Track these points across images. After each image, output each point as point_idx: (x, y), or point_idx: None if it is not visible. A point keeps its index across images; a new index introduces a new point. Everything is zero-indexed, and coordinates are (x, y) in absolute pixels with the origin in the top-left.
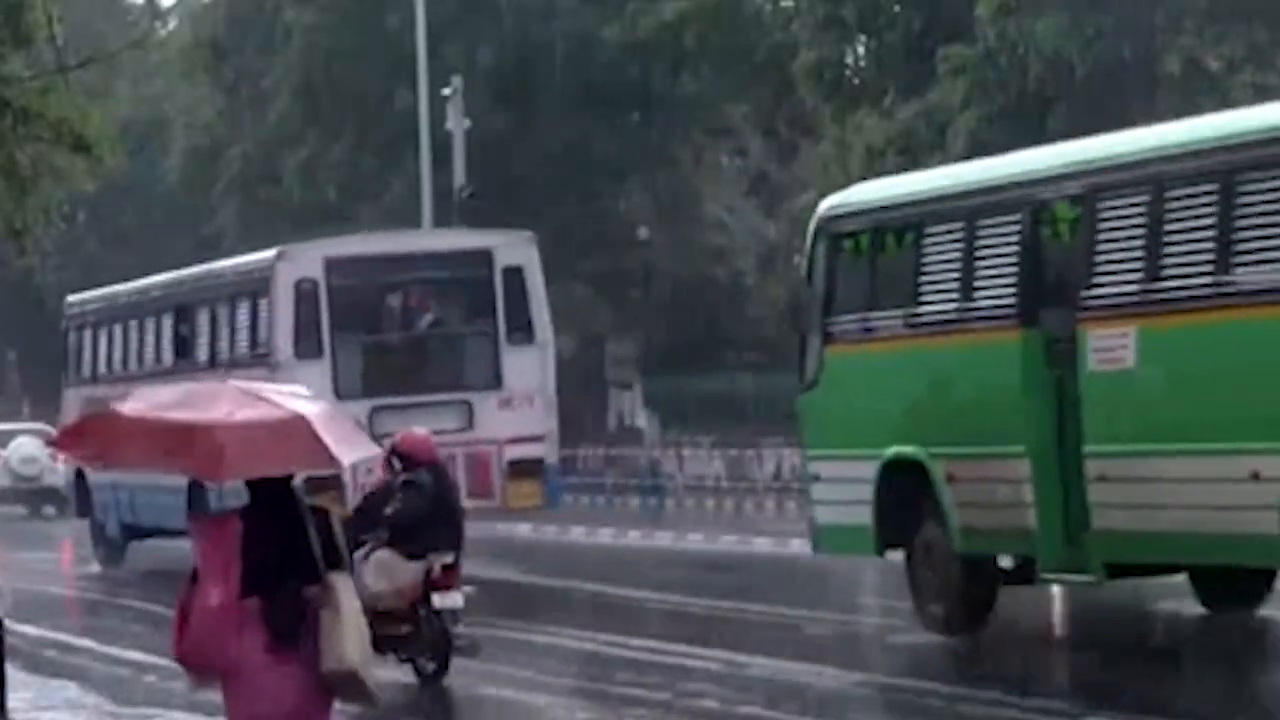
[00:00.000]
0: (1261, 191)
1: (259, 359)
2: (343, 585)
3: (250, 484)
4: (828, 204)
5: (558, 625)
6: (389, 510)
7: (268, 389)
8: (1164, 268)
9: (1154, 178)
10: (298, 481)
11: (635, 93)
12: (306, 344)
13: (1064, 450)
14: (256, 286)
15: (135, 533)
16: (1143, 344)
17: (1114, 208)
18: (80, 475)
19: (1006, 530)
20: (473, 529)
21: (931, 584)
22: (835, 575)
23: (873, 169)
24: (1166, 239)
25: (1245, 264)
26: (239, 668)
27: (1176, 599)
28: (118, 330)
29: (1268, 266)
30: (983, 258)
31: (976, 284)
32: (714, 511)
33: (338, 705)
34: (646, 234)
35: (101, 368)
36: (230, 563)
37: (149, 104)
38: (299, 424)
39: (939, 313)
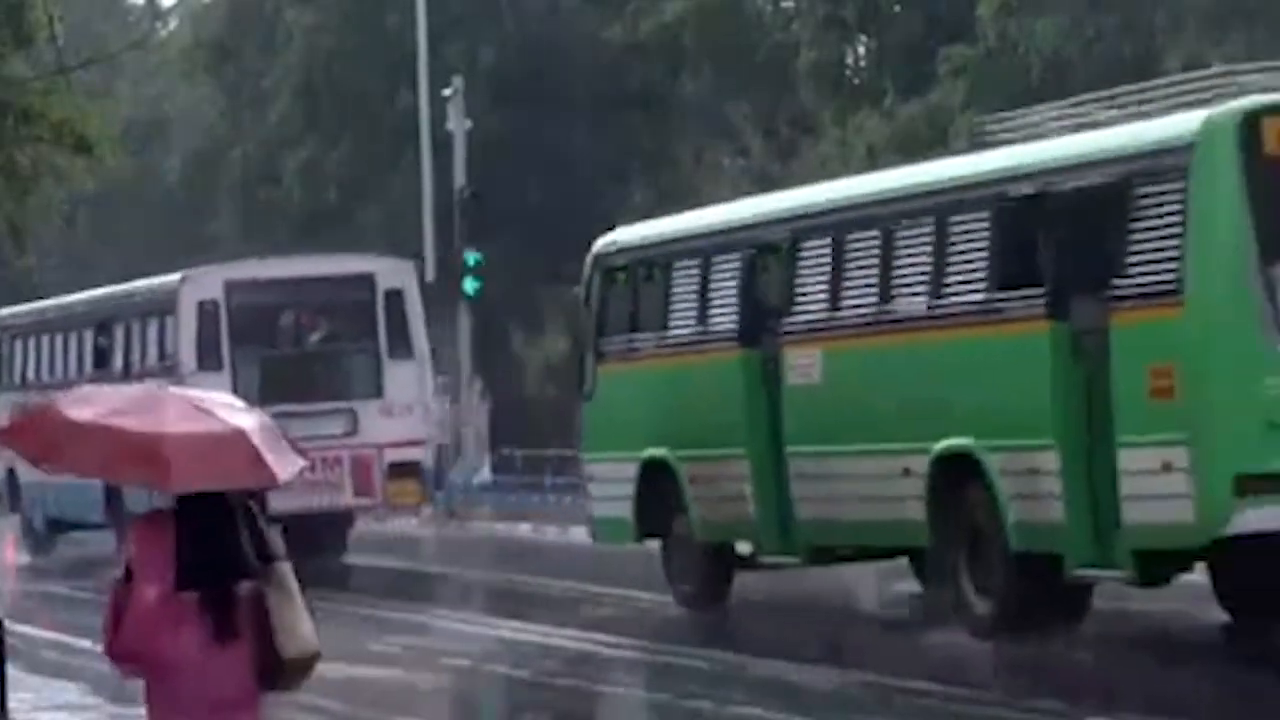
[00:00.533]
0: (912, 237)
1: (167, 370)
2: (285, 572)
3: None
4: (602, 241)
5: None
6: None
7: (207, 399)
8: (841, 300)
9: (834, 225)
10: None
11: (636, 93)
12: (208, 358)
13: (774, 452)
14: (165, 305)
15: (59, 526)
16: (825, 363)
17: (806, 249)
18: (11, 473)
19: (734, 521)
20: (472, 530)
21: (680, 568)
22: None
23: (873, 169)
24: (843, 276)
25: (898, 297)
26: (175, 662)
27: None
28: (44, 341)
29: (913, 299)
30: (714, 289)
31: (709, 311)
32: None
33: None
34: None
35: (30, 374)
36: (167, 560)
37: (149, 105)
38: (241, 439)
39: (683, 335)
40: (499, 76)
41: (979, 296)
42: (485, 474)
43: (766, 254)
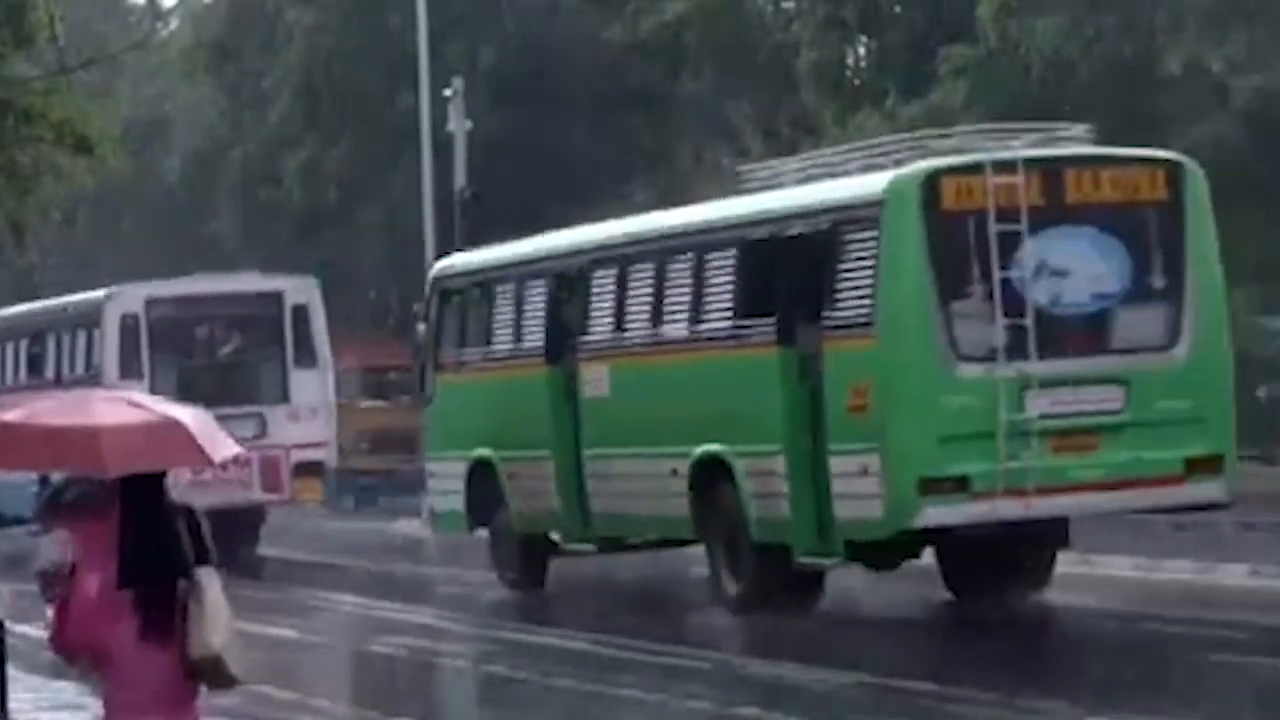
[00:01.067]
0: (677, 271)
1: (92, 379)
2: (207, 578)
3: (123, 484)
4: (439, 266)
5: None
6: (68, 498)
7: (141, 397)
8: (624, 324)
9: (618, 259)
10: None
11: (636, 93)
12: (129, 367)
13: (574, 455)
14: (91, 320)
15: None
16: (612, 378)
17: (597, 280)
18: None
19: (544, 514)
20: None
21: (504, 554)
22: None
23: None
24: (625, 303)
25: (667, 323)
26: (113, 654)
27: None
28: None
29: (678, 325)
30: (527, 312)
31: (524, 331)
32: None
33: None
34: None
35: None
36: (108, 556)
37: (150, 105)
38: (175, 425)
39: (503, 351)
40: (499, 77)
41: (727, 324)
42: None
43: (567, 283)
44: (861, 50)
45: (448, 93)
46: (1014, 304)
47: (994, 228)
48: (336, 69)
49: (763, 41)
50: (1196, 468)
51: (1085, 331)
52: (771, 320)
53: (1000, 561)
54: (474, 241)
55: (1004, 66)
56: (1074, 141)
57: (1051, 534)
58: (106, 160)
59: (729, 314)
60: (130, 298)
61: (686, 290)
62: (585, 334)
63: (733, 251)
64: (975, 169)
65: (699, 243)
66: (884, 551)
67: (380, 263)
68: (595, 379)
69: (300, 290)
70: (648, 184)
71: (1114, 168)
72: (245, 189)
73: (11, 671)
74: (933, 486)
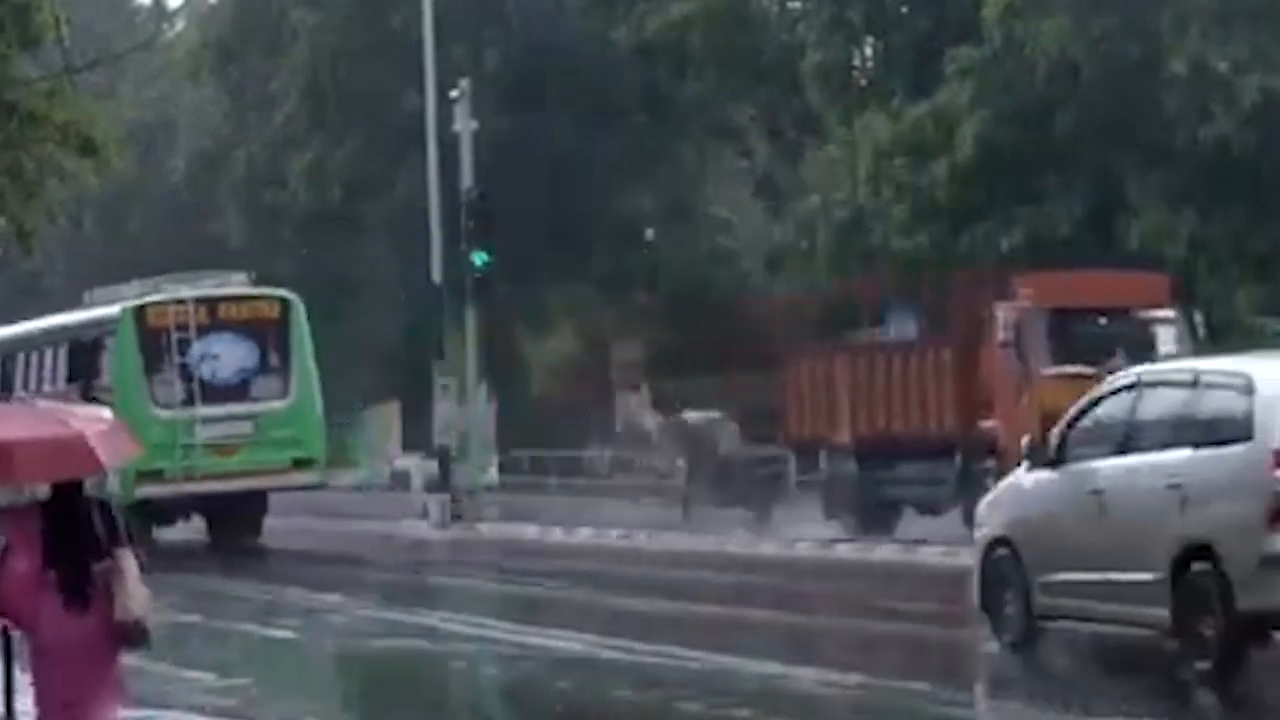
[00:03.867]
0: (52, 352)
1: None
2: (124, 558)
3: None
4: None
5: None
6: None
7: (71, 410)
8: (26, 384)
9: (26, 345)
10: None
11: (641, 94)
12: None
13: None
14: None
15: None
16: None
17: (16, 357)
18: None
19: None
20: (479, 532)
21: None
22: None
23: (880, 170)
24: (28, 371)
25: (44, 384)
26: (39, 621)
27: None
28: None
29: (49, 385)
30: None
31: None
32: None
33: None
34: (652, 235)
35: None
36: (33, 541)
37: (155, 106)
38: (79, 439)
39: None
40: (505, 78)
41: (65, 384)
42: (492, 475)
43: (6, 359)
44: (867, 51)
45: (454, 94)
46: (187, 376)
47: (174, 335)
48: (342, 70)
49: (768, 42)
50: (298, 465)
51: (231, 391)
52: (80, 384)
53: (232, 519)
54: (480, 242)
55: (1009, 67)
56: (235, 284)
57: (255, 506)
58: (111, 162)
59: (67, 378)
60: None
61: (51, 363)
62: (8, 391)
63: (68, 342)
64: (164, 303)
65: (56, 338)
66: (161, 515)
67: (386, 265)
68: None
69: None
70: (653, 185)
71: (250, 300)
72: (250, 190)
73: (17, 673)
74: (143, 477)
